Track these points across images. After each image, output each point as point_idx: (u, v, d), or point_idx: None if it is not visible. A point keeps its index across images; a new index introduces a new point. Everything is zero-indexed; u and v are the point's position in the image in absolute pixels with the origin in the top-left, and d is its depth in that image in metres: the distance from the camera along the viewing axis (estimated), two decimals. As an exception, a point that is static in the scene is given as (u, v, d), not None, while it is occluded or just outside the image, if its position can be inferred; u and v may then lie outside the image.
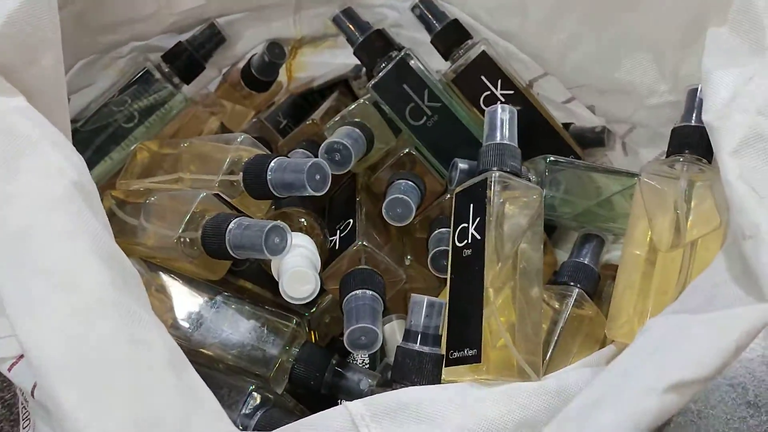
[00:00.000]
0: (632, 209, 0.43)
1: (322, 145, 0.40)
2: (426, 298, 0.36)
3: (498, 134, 0.39)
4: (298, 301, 0.34)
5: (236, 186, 0.38)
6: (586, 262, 0.42)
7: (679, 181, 0.40)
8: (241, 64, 0.51)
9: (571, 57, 0.44)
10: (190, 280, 0.39)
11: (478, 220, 0.36)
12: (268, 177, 0.36)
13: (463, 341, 0.35)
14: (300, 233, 0.37)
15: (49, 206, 0.28)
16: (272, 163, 0.36)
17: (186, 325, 0.37)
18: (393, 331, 0.43)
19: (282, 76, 0.59)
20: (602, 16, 0.41)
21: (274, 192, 0.36)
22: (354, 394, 0.36)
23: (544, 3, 0.42)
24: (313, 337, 0.42)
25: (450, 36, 0.47)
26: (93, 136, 0.45)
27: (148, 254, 0.39)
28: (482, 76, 0.46)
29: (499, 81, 0.46)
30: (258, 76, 0.51)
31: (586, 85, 0.46)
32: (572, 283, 0.41)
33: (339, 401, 0.36)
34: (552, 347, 0.39)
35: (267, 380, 0.36)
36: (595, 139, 0.49)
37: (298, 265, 0.34)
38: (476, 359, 0.33)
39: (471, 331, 0.34)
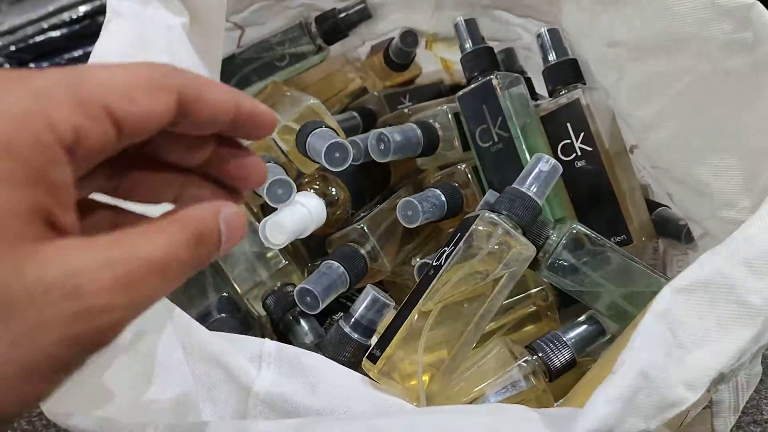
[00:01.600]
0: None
1: (374, 132, 0.45)
2: (374, 293, 0.39)
3: (527, 182, 0.39)
4: (270, 245, 0.40)
5: (291, 136, 0.45)
6: (565, 340, 0.40)
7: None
8: (383, 44, 0.56)
9: (654, 134, 0.40)
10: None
11: (454, 249, 0.38)
12: (308, 139, 0.42)
13: (381, 343, 0.37)
14: (312, 194, 0.42)
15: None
16: (317, 129, 0.42)
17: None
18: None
19: (438, 64, 0.63)
20: (695, 102, 0.37)
21: (308, 154, 0.42)
22: (298, 342, 0.42)
23: (640, 68, 0.39)
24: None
25: (558, 73, 0.46)
26: (244, 65, 0.55)
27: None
28: (568, 123, 0.45)
29: (582, 134, 0.44)
30: (394, 58, 0.56)
31: (664, 170, 0.41)
32: (540, 354, 0.40)
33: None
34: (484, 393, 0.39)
35: (239, 293, 0.44)
36: (675, 233, 0.44)
37: (281, 218, 0.39)
38: (375, 359, 0.36)
39: (388, 335, 0.37)
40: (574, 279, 0.41)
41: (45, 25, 1.26)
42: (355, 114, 0.54)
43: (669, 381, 0.27)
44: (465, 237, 0.38)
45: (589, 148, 0.44)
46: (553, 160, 0.40)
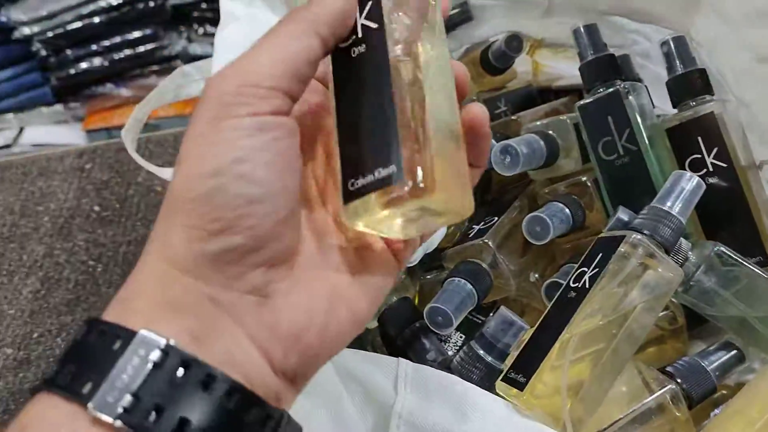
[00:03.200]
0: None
1: (498, 144, 0.43)
2: (509, 315, 0.37)
3: (669, 201, 0.38)
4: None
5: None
6: (706, 367, 0.38)
7: None
8: (482, 47, 0.54)
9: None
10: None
11: (596, 270, 0.36)
12: None
13: (523, 367, 0.36)
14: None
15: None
16: None
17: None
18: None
19: (527, 65, 0.61)
20: None
21: None
22: (420, 359, 0.41)
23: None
24: (417, 298, 0.46)
25: (687, 84, 0.44)
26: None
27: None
28: (699, 137, 0.43)
29: (715, 149, 0.42)
30: (493, 62, 0.54)
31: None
32: (678, 380, 0.38)
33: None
34: (623, 422, 0.38)
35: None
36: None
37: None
38: (521, 386, 0.35)
39: (532, 361, 0.35)
40: (713, 302, 0.40)
41: (84, 11, 1.25)
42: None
43: None
44: (611, 259, 0.36)
45: (723, 164, 0.42)
46: (696, 177, 0.38)
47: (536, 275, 0.45)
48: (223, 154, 0.22)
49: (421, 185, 0.22)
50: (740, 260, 0.39)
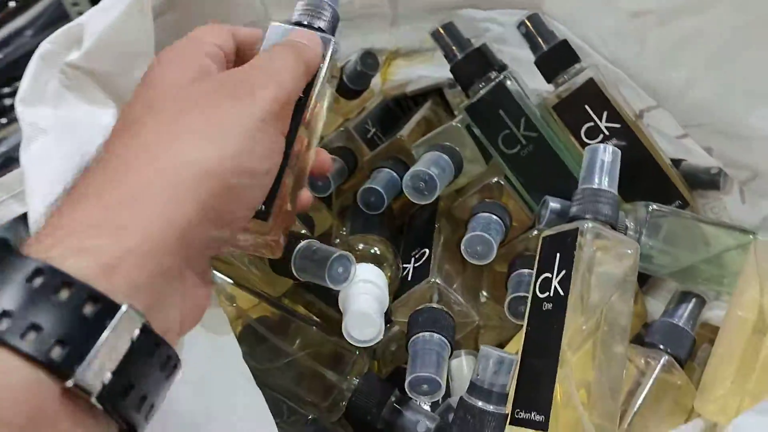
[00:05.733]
0: (743, 270, 0.38)
1: (407, 173, 0.39)
2: (497, 354, 0.33)
3: (596, 177, 0.36)
4: (361, 344, 0.33)
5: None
6: (680, 325, 0.38)
7: (804, 247, 0.35)
8: (334, 71, 0.50)
9: (690, 94, 0.39)
10: (255, 293, 0.39)
11: (563, 273, 0.34)
12: (293, 259, 0.34)
13: (531, 403, 0.32)
14: (370, 265, 0.36)
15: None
16: (298, 247, 0.35)
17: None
18: (461, 367, 0.41)
19: (375, 78, 0.57)
20: (733, 55, 0.37)
21: (297, 275, 0.35)
22: (411, 436, 0.35)
23: (667, 33, 0.38)
24: (376, 366, 0.41)
25: (557, 58, 0.43)
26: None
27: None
28: (586, 106, 0.43)
29: (605, 113, 0.42)
30: (349, 85, 0.50)
31: (705, 125, 0.41)
32: (662, 347, 0.37)
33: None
34: (633, 413, 0.36)
35: (321, 410, 0.36)
36: (708, 181, 0.44)
37: (363, 307, 0.33)
38: (543, 426, 0.31)
39: (541, 394, 0.32)
40: (659, 261, 0.40)
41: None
42: (335, 158, 0.48)
43: None
44: (573, 257, 0.34)
45: (617, 125, 0.42)
46: (610, 146, 0.37)
47: (485, 294, 0.42)
48: None
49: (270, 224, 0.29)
50: (671, 211, 0.39)
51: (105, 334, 0.19)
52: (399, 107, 0.58)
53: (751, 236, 0.39)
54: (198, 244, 0.23)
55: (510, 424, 0.33)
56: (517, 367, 0.34)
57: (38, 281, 0.19)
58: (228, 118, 0.25)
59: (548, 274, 0.35)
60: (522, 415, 0.32)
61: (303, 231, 0.41)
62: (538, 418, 0.32)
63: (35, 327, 0.18)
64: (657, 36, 0.38)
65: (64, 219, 0.21)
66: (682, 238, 0.40)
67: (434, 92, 0.56)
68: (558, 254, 0.35)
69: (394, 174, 0.44)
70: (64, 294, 0.19)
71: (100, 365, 0.19)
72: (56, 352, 0.18)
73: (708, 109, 0.39)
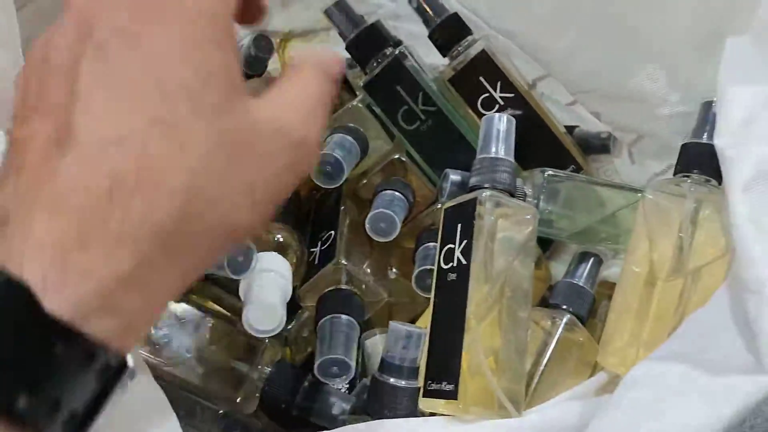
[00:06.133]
0: (634, 227, 0.40)
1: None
2: (404, 329, 0.34)
3: (493, 147, 0.37)
4: (262, 335, 0.32)
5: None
6: (581, 284, 0.40)
7: (686, 201, 0.37)
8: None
9: (575, 61, 0.41)
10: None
11: (465, 243, 0.34)
12: None
13: (441, 373, 0.33)
14: (273, 253, 0.35)
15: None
16: None
17: (153, 340, 0.35)
18: (375, 345, 0.41)
19: (276, 63, 0.56)
20: (611, 20, 0.38)
21: None
22: (326, 419, 0.35)
23: (548, 3, 0.39)
24: (289, 352, 0.40)
25: (449, 31, 0.44)
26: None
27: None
28: (481, 77, 0.43)
29: (499, 83, 0.43)
30: (246, 71, 0.48)
31: (592, 91, 0.43)
32: (564, 307, 0.39)
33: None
34: (539, 374, 0.37)
35: (235, 403, 0.35)
36: (600, 146, 0.46)
37: (264, 297, 0.32)
38: (452, 395, 0.32)
39: (450, 364, 0.32)
40: (558, 225, 0.41)
41: None
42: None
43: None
44: (473, 226, 0.34)
45: (511, 95, 0.43)
46: (505, 115, 0.38)
47: (394, 270, 0.42)
48: None
49: None
50: (567, 176, 0.40)
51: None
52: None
53: (638, 194, 0.41)
54: None
55: (423, 396, 0.33)
56: (427, 340, 0.34)
57: None
58: None
59: (451, 245, 0.35)
60: (433, 386, 0.33)
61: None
62: (448, 387, 0.32)
63: None
64: (539, 5, 0.39)
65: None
66: (578, 201, 0.41)
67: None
68: (459, 225, 0.35)
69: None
70: None
71: None
72: None
73: (592, 75, 0.41)
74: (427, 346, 0.34)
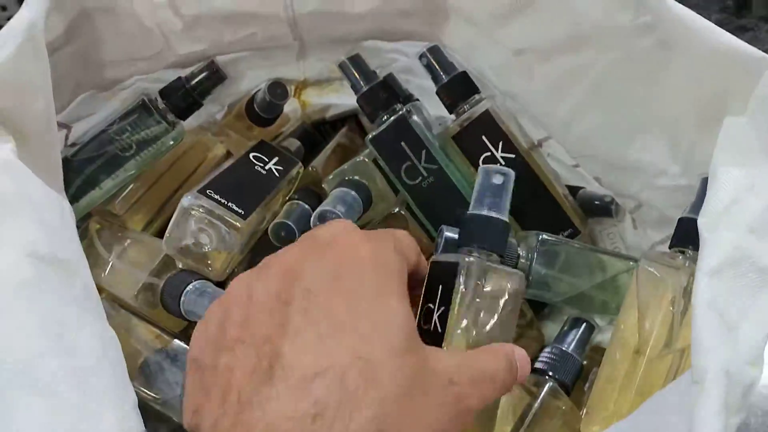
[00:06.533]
0: (626, 295, 0.40)
1: (315, 212, 0.40)
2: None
3: (485, 202, 0.37)
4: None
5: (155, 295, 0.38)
6: (569, 351, 0.40)
7: (680, 275, 0.37)
8: (245, 100, 0.50)
9: (576, 126, 0.41)
10: (156, 326, 0.39)
11: (442, 309, 0.34)
12: (182, 300, 0.35)
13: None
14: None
15: (12, 292, 0.28)
16: (190, 286, 0.35)
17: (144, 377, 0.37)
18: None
19: (295, 103, 0.58)
20: (612, 89, 0.38)
21: (186, 317, 0.36)
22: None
23: (550, 69, 0.40)
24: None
25: (456, 89, 0.45)
26: (86, 165, 0.45)
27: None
28: (483, 136, 0.44)
29: (501, 143, 0.44)
30: (261, 113, 0.50)
31: (591, 156, 0.43)
32: (550, 374, 0.39)
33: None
34: (521, 438, 0.38)
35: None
36: (603, 209, 0.46)
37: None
38: None
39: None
40: (550, 287, 0.41)
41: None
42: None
43: (741, 368, 0.27)
44: (453, 292, 0.33)
45: (512, 155, 0.44)
46: (504, 168, 0.37)
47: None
48: None
49: None
50: (561, 240, 0.41)
51: None
52: (318, 132, 0.59)
53: (631, 263, 0.41)
54: None
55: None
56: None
57: None
58: None
59: (431, 305, 0.35)
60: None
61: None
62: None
63: None
64: (541, 71, 0.40)
65: None
66: (576, 265, 0.41)
67: (352, 117, 0.58)
68: (440, 287, 0.35)
69: (306, 207, 0.44)
70: None
71: None
72: None
73: (592, 141, 0.41)
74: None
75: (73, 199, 0.44)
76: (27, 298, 0.29)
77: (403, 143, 0.43)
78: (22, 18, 0.38)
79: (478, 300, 0.34)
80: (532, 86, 0.41)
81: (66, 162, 0.44)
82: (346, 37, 0.46)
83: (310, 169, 0.47)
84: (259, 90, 0.50)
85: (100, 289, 0.38)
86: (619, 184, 0.43)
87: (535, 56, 0.39)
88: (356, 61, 0.45)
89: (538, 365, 0.40)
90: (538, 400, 0.37)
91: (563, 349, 0.40)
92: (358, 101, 0.45)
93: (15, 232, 0.34)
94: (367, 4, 0.42)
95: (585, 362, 0.42)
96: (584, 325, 0.41)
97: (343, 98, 0.51)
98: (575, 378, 0.39)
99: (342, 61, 0.45)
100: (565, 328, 0.41)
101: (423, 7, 0.43)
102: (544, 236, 0.40)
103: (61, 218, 0.37)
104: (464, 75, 0.45)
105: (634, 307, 0.39)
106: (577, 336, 0.41)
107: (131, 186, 0.48)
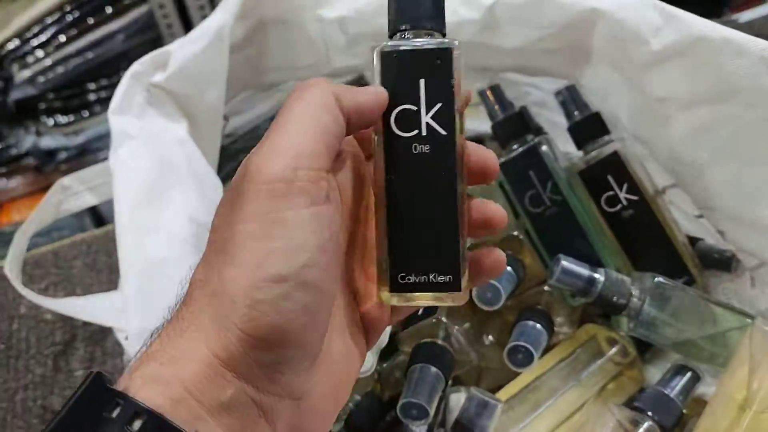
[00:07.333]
0: (738, 351, 0.40)
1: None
2: (481, 397, 0.37)
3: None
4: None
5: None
6: (671, 395, 0.40)
7: (798, 339, 0.37)
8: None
9: (705, 179, 0.42)
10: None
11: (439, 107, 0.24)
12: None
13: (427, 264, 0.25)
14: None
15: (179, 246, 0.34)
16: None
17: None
18: (458, 401, 0.44)
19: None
20: (750, 145, 0.39)
21: None
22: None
23: (689, 118, 0.41)
24: (379, 387, 0.44)
25: (588, 127, 0.47)
26: (239, 154, 0.51)
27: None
28: (609, 176, 0.45)
29: (626, 185, 0.45)
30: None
31: (717, 209, 0.43)
32: (650, 414, 0.39)
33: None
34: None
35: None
36: (721, 262, 0.46)
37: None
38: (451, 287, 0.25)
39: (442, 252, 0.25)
40: (660, 331, 0.42)
41: None
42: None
43: None
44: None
45: (635, 197, 0.45)
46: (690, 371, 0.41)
47: (489, 337, 0.45)
48: (289, 258, 0.21)
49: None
50: (676, 286, 0.41)
51: None
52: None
53: (749, 320, 0.41)
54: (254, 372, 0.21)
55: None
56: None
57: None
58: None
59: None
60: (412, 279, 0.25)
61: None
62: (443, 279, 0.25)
63: None
64: (679, 119, 0.41)
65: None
66: (688, 312, 0.42)
67: (475, 140, 0.60)
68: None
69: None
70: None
71: None
72: None
73: (721, 194, 0.42)
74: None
75: (223, 182, 0.50)
76: (184, 252, 0.35)
77: (531, 172, 0.45)
78: (214, 20, 0.44)
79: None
80: (667, 133, 0.42)
81: (223, 149, 0.50)
82: (490, 67, 0.49)
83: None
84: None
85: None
86: (744, 240, 0.43)
87: (676, 105, 0.40)
88: (496, 90, 0.48)
89: (637, 404, 0.40)
90: (634, 439, 0.38)
91: (665, 392, 0.40)
92: (493, 127, 0.47)
93: (183, 196, 0.39)
94: (518, 41, 0.45)
95: (685, 411, 0.42)
96: (689, 373, 0.41)
97: (475, 123, 0.54)
98: (674, 423, 0.40)
99: (483, 89, 0.48)
100: (670, 373, 0.42)
101: (568, 48, 0.45)
102: (660, 279, 0.41)
103: (215, 194, 0.43)
104: (597, 115, 0.47)
105: (744, 362, 0.39)
106: (681, 382, 0.41)
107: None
